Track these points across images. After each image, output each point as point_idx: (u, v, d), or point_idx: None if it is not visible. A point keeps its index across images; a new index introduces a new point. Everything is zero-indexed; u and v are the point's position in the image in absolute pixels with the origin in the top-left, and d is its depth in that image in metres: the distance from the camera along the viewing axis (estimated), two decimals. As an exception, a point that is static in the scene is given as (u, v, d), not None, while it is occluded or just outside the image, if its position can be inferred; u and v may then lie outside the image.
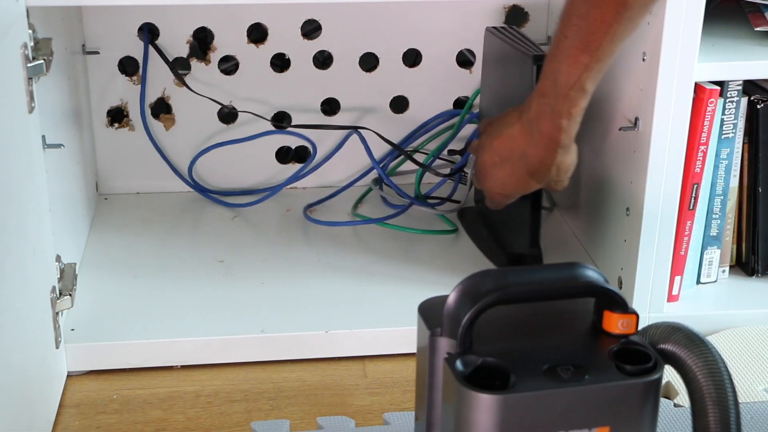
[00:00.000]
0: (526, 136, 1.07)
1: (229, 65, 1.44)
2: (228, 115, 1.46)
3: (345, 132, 1.46)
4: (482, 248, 1.33)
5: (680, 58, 1.08)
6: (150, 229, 1.38)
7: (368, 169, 1.49)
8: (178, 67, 1.42)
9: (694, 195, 1.19)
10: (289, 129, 1.46)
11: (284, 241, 1.36)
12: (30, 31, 0.98)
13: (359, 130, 1.43)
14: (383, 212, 1.42)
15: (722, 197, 1.22)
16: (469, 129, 1.46)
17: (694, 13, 1.06)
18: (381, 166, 1.46)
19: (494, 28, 1.30)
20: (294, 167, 1.49)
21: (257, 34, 1.43)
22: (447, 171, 1.46)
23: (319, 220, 1.39)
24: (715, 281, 1.27)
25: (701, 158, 1.17)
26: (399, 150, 1.44)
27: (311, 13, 1.42)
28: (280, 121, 1.48)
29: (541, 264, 1.23)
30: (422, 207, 1.41)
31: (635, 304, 1.18)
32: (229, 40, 1.42)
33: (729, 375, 0.76)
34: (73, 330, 1.13)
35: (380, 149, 1.47)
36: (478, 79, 1.43)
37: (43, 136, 1.05)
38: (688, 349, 0.77)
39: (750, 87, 1.20)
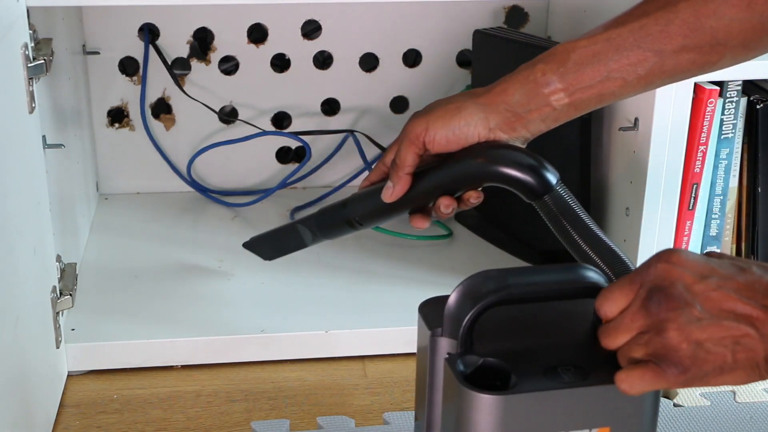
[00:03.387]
0: None
1: (229, 65, 1.44)
2: (228, 116, 1.46)
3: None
4: (506, 248, 1.33)
5: (680, 59, 1.08)
6: (150, 229, 1.38)
7: (366, 169, 1.49)
8: (179, 68, 1.42)
9: (693, 195, 1.19)
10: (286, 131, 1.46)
11: (284, 241, 1.36)
12: (30, 32, 0.98)
13: (354, 133, 1.43)
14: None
15: (722, 197, 1.22)
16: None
17: (693, 13, 1.06)
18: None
19: (485, 30, 1.30)
20: (294, 167, 1.49)
21: (257, 34, 1.43)
22: None
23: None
24: (715, 281, 1.26)
25: (701, 158, 1.17)
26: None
27: (311, 13, 1.42)
28: (281, 121, 1.48)
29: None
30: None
31: (635, 304, 1.18)
32: (229, 40, 1.42)
33: None
34: (73, 330, 1.13)
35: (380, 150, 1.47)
36: (477, 79, 1.44)
37: (44, 136, 1.05)
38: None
39: (749, 87, 1.20)
